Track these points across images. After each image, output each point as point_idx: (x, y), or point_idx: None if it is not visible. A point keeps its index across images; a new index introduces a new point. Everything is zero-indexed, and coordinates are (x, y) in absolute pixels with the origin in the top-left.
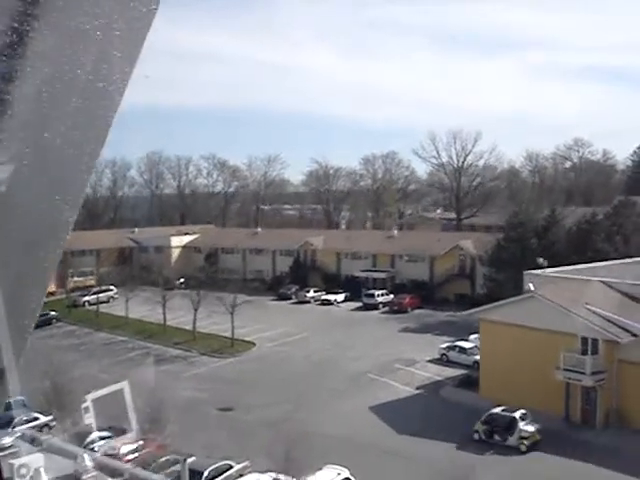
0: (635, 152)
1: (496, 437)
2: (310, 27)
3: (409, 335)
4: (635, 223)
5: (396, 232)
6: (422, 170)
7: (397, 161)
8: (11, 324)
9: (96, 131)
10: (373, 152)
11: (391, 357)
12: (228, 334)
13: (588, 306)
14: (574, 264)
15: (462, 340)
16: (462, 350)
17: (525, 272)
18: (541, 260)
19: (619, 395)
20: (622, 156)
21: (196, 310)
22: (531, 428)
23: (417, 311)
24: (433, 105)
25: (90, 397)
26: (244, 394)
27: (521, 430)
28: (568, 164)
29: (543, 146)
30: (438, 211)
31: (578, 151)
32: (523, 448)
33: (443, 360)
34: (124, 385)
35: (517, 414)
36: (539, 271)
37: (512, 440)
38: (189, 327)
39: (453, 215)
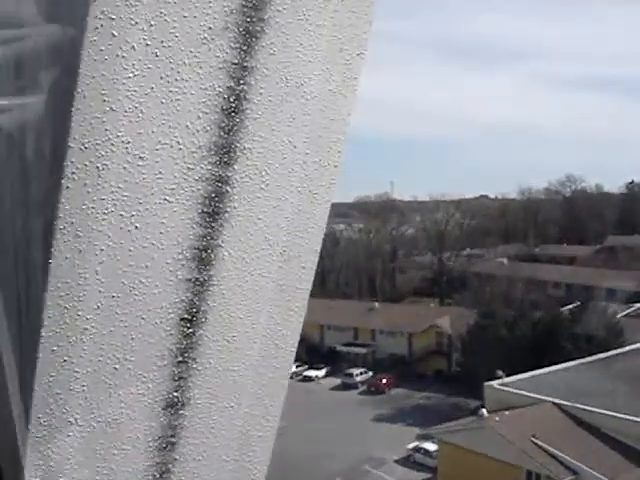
0: (626, 187)
1: None
2: None
3: (383, 425)
4: (598, 323)
5: (377, 304)
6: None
7: (389, 203)
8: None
9: (319, 207)
10: (367, 194)
11: (361, 455)
12: None
13: (534, 439)
14: (537, 365)
15: (428, 441)
16: (427, 453)
17: (485, 384)
18: (500, 373)
19: None
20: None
21: None
22: None
23: (394, 391)
24: (431, 116)
25: None
26: None
27: None
28: (560, 197)
29: (536, 180)
30: (428, 255)
31: (570, 187)
32: None
33: (410, 461)
34: None
35: None
36: (497, 384)
37: None
38: None
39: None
